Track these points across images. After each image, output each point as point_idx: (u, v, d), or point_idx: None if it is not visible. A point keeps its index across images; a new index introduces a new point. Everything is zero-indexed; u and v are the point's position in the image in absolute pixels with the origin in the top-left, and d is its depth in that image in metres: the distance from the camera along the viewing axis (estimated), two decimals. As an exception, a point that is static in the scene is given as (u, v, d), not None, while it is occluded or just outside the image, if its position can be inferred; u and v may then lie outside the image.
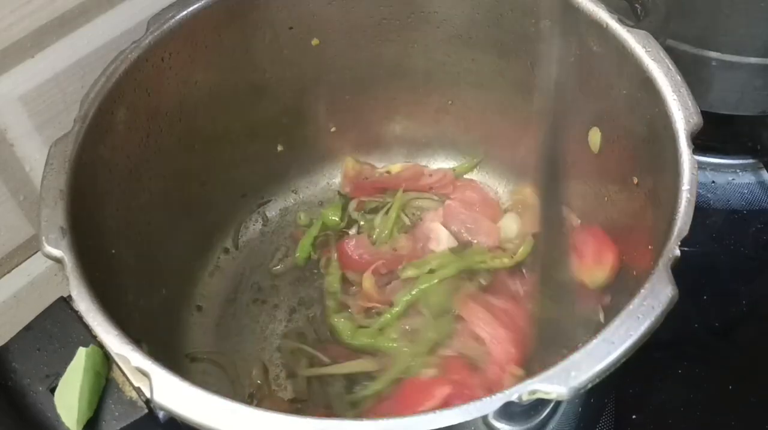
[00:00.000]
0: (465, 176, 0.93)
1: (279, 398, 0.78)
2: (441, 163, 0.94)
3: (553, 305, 0.76)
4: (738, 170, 0.99)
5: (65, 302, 0.56)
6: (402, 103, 0.90)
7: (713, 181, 0.99)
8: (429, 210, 0.89)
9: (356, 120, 0.91)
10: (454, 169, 0.93)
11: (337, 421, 0.48)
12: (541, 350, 0.73)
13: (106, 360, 0.54)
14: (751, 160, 0.99)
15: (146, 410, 0.53)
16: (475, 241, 0.85)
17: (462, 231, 0.86)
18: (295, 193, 0.94)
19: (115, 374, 0.54)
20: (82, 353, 0.53)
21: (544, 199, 0.82)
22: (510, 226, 0.86)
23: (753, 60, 0.89)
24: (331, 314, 0.81)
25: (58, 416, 0.52)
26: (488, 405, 0.48)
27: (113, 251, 0.67)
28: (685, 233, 0.56)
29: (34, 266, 0.78)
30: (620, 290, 0.77)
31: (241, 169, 0.87)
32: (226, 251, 0.90)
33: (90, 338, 0.54)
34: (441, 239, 0.85)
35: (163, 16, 0.71)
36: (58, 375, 0.54)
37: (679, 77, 0.64)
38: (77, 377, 0.52)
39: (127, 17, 0.73)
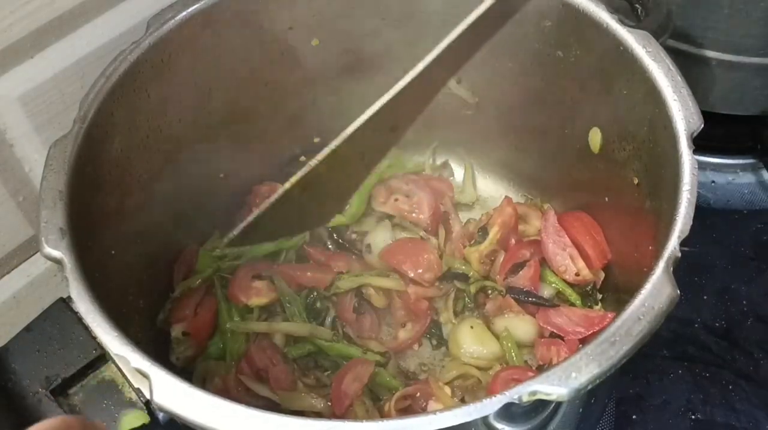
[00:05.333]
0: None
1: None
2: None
3: None
4: (738, 170, 0.99)
5: (65, 303, 0.56)
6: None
7: (713, 181, 0.99)
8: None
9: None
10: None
11: (338, 422, 0.48)
12: None
13: None
14: (751, 160, 0.99)
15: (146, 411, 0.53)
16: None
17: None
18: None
19: (115, 375, 0.54)
20: None
21: None
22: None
23: (753, 60, 0.89)
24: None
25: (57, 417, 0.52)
26: (489, 406, 0.48)
27: (113, 252, 0.67)
28: (686, 233, 0.56)
29: (34, 267, 0.78)
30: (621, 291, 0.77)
31: (240, 170, 0.87)
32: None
33: (89, 339, 0.54)
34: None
35: (163, 16, 0.71)
36: (58, 376, 0.54)
37: (679, 77, 0.64)
38: None
39: (127, 17, 0.73)
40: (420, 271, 0.82)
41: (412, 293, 0.82)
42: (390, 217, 0.89)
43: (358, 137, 0.82)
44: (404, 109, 0.87)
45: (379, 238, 0.87)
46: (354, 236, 0.90)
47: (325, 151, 0.82)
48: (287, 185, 0.82)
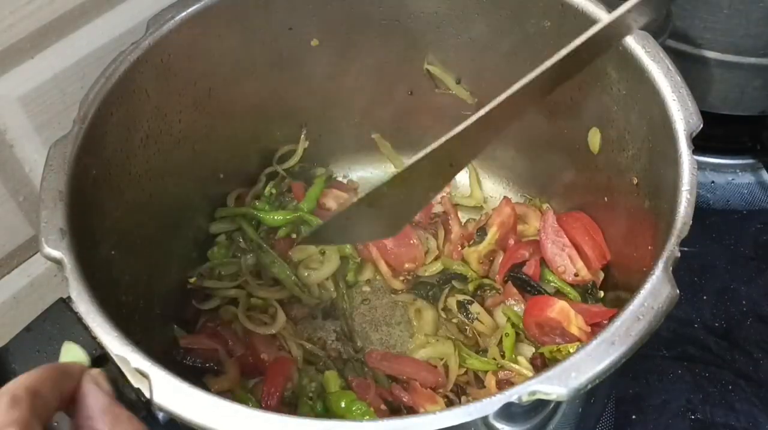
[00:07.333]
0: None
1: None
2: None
3: None
4: (738, 170, 0.99)
5: (65, 303, 0.56)
6: (401, 106, 0.90)
7: (713, 182, 0.99)
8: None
9: (352, 124, 0.91)
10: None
11: (337, 421, 0.48)
12: None
13: None
14: (751, 160, 0.99)
15: (146, 411, 0.53)
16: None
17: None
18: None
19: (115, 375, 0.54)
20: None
21: None
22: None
23: (753, 60, 0.89)
24: None
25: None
26: (489, 406, 0.48)
27: (113, 253, 0.67)
28: (685, 233, 0.56)
29: (34, 267, 0.78)
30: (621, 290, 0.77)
31: (239, 170, 0.87)
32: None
33: (89, 339, 0.54)
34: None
35: (163, 16, 0.71)
36: (58, 376, 0.53)
37: (678, 77, 0.64)
38: None
39: (127, 18, 0.73)
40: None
41: None
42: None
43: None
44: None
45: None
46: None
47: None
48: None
